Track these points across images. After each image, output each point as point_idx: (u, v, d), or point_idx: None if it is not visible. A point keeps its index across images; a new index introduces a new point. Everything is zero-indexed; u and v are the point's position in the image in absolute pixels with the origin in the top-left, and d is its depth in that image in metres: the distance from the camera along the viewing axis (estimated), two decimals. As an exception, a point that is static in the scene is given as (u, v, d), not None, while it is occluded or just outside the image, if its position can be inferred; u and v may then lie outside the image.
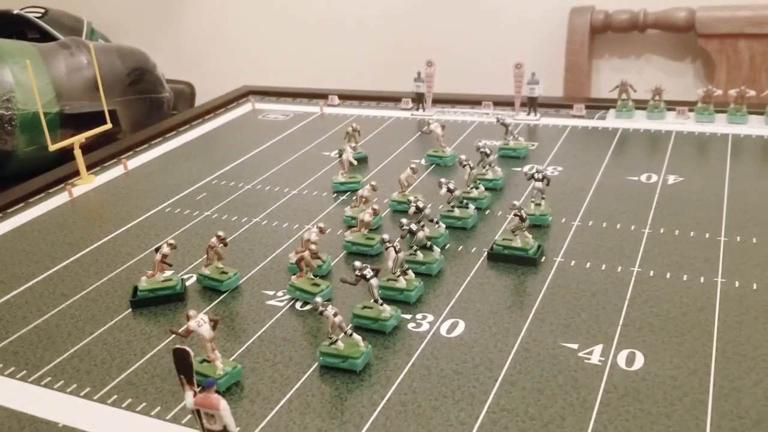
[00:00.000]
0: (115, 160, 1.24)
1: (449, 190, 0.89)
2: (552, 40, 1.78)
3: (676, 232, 0.86)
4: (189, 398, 0.52)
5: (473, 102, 1.38)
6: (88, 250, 0.92)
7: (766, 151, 1.08)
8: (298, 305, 0.77)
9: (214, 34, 2.15)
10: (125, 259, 0.89)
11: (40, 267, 0.89)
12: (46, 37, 1.61)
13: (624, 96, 1.26)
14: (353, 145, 1.13)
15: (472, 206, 0.92)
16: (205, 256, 0.82)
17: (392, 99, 1.45)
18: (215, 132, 1.37)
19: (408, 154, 1.17)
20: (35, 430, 0.61)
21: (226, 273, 0.81)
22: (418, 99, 1.36)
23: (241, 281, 0.82)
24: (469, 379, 0.63)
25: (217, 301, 0.79)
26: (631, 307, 0.72)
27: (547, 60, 1.75)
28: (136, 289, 0.80)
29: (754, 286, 0.74)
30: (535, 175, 0.90)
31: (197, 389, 0.53)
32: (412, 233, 0.80)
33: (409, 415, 0.60)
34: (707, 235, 0.84)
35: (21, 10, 1.67)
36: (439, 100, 1.39)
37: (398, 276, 0.76)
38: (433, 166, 1.12)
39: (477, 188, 0.96)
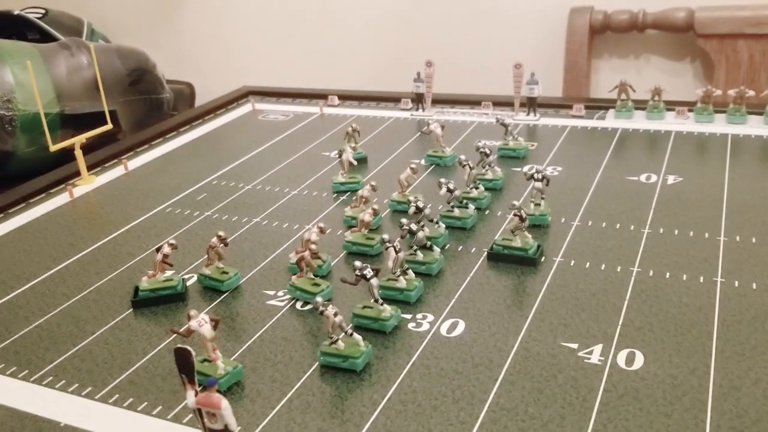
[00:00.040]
0: (116, 160, 1.24)
1: (449, 190, 0.90)
2: (551, 40, 1.78)
3: (676, 232, 0.86)
4: (190, 397, 0.52)
5: (473, 102, 1.38)
6: (89, 250, 0.92)
7: (766, 151, 1.08)
8: (298, 305, 0.77)
9: (214, 34, 2.15)
10: (126, 259, 0.89)
11: (41, 267, 0.89)
12: (46, 37, 1.61)
13: (623, 96, 1.26)
14: (353, 145, 1.13)
15: (471, 206, 0.92)
16: (206, 256, 0.83)
17: (392, 99, 1.45)
18: (215, 132, 1.37)
19: (408, 155, 1.17)
20: (37, 429, 0.62)
21: (226, 273, 0.81)
22: (418, 99, 1.36)
23: (241, 281, 0.82)
24: (469, 379, 0.64)
25: (217, 301, 0.79)
26: (630, 307, 0.72)
27: (546, 60, 1.75)
28: (137, 289, 0.80)
29: (754, 286, 0.74)
30: (535, 175, 0.90)
31: (198, 389, 0.53)
32: (412, 233, 0.80)
33: (409, 414, 0.60)
34: (706, 235, 0.85)
35: (21, 10, 1.67)
36: (439, 101, 1.40)
37: (398, 276, 0.76)
38: (433, 166, 1.12)
39: (477, 188, 0.96)
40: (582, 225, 0.89)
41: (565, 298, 0.74)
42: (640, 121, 1.23)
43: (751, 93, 1.19)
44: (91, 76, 1.37)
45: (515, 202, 0.82)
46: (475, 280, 0.79)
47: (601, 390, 0.61)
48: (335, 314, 0.65)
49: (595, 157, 1.10)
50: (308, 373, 0.66)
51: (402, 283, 0.76)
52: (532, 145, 1.16)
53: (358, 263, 0.71)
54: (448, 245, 0.87)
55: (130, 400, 0.64)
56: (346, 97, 1.50)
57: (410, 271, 0.77)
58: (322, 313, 0.65)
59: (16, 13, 1.65)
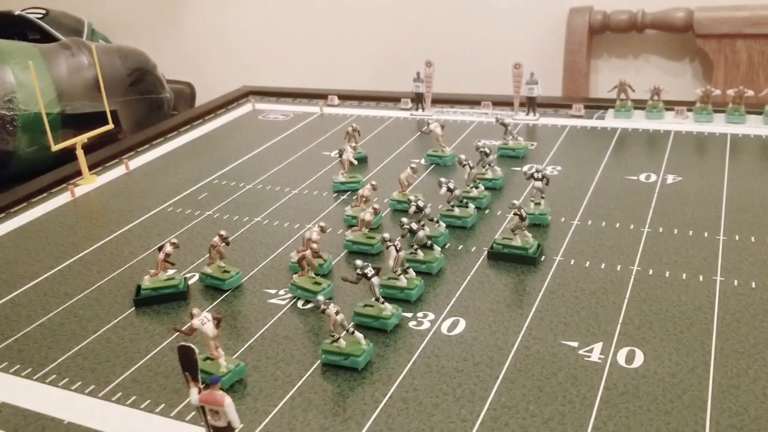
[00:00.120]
0: (117, 160, 1.24)
1: (449, 190, 0.90)
2: (551, 40, 1.78)
3: (675, 231, 0.86)
4: (194, 395, 0.52)
5: (472, 102, 1.38)
6: (90, 249, 0.93)
7: (765, 150, 1.09)
8: (299, 304, 0.77)
9: (214, 35, 2.15)
10: (128, 258, 0.90)
11: (43, 266, 0.89)
12: (46, 37, 1.61)
13: (623, 96, 1.26)
14: (353, 144, 1.13)
15: (471, 205, 0.93)
16: (208, 255, 0.83)
17: (392, 99, 1.45)
18: (216, 132, 1.37)
19: (408, 154, 1.17)
20: (41, 427, 0.62)
21: (228, 272, 0.81)
22: (418, 99, 1.37)
23: (243, 280, 0.82)
24: (469, 377, 0.64)
25: (219, 299, 0.79)
26: (630, 306, 0.72)
27: (545, 60, 1.75)
28: (139, 287, 0.80)
29: (753, 285, 0.74)
30: (535, 175, 0.90)
31: (201, 386, 0.53)
32: (413, 232, 0.81)
33: (410, 412, 0.60)
34: (706, 234, 0.85)
35: (22, 11, 1.67)
36: (439, 100, 1.40)
37: (399, 275, 0.76)
38: (433, 165, 1.12)
39: (477, 188, 0.97)
40: (582, 224, 0.90)
41: (565, 296, 0.75)
42: (639, 121, 1.24)
43: (750, 93, 1.19)
44: (92, 76, 1.37)
45: (515, 202, 0.83)
46: (476, 279, 0.79)
47: (601, 388, 0.61)
48: (337, 313, 0.66)
49: (594, 157, 1.10)
50: (310, 371, 0.66)
51: (403, 281, 0.76)
52: (532, 145, 1.17)
53: (359, 262, 0.71)
54: (448, 244, 0.87)
55: (133, 398, 0.65)
56: (346, 97, 1.50)
57: (411, 270, 0.77)
58: (323, 311, 0.66)
59: (16, 13, 1.65)
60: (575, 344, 0.67)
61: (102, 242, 0.94)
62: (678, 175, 1.02)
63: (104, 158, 1.24)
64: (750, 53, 1.60)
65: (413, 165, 0.97)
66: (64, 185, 1.14)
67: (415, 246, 0.82)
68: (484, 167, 1.02)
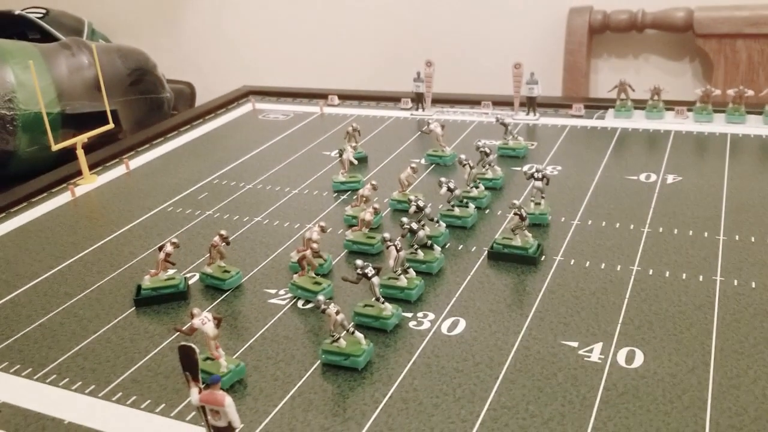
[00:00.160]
0: (117, 160, 1.24)
1: (449, 190, 0.90)
2: (551, 40, 1.78)
3: (675, 231, 0.86)
4: (194, 395, 0.52)
5: (472, 102, 1.38)
6: (91, 249, 0.93)
7: (765, 150, 1.09)
8: (300, 304, 0.77)
9: (215, 34, 2.15)
10: (128, 258, 0.90)
11: (43, 266, 0.89)
12: (47, 37, 1.61)
13: (623, 96, 1.26)
14: (353, 144, 1.13)
15: (472, 205, 0.93)
16: (208, 254, 0.83)
17: (392, 99, 1.46)
18: (216, 132, 1.37)
19: (408, 154, 1.18)
20: (41, 426, 0.62)
21: (228, 272, 0.82)
22: (418, 99, 1.37)
23: (243, 280, 0.82)
24: (470, 377, 0.64)
25: (219, 299, 0.79)
26: (630, 306, 0.72)
27: (545, 60, 1.76)
28: (139, 287, 0.80)
29: (753, 285, 0.74)
30: (535, 175, 0.90)
31: (202, 386, 0.53)
32: (413, 232, 0.81)
33: (410, 412, 0.60)
34: (706, 234, 0.85)
35: (22, 10, 1.67)
36: (439, 100, 1.40)
37: (399, 275, 0.76)
38: (433, 165, 1.12)
39: (477, 187, 0.97)
40: (582, 224, 0.90)
41: (565, 296, 0.75)
42: (639, 121, 1.24)
43: (750, 92, 1.19)
44: (92, 75, 1.37)
45: (515, 202, 0.83)
46: (476, 278, 0.79)
47: (601, 388, 0.61)
48: (337, 312, 0.66)
49: (594, 157, 1.10)
50: (310, 371, 0.66)
51: (403, 281, 0.76)
52: (532, 145, 1.17)
53: (359, 262, 0.71)
54: (448, 244, 0.87)
55: (134, 397, 0.65)
56: (346, 97, 1.50)
57: (411, 270, 0.77)
58: (323, 311, 0.66)
59: (16, 13, 1.65)
60: (575, 344, 0.67)
61: (102, 242, 0.94)
62: (678, 175, 1.02)
63: (104, 158, 1.24)
64: (750, 53, 1.60)
65: (413, 165, 0.97)
66: (65, 185, 1.14)
67: (416, 246, 0.82)
68: (484, 167, 1.02)
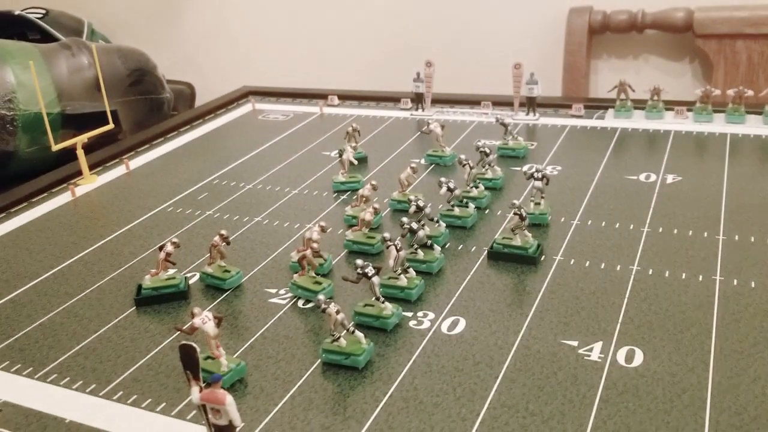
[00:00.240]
0: (117, 160, 1.24)
1: (449, 190, 0.90)
2: (550, 40, 1.78)
3: (675, 231, 0.87)
4: (195, 393, 0.53)
5: (472, 102, 1.38)
6: (91, 249, 0.93)
7: (764, 150, 1.09)
8: (300, 303, 0.77)
9: (214, 35, 2.16)
10: (128, 258, 0.90)
11: (44, 266, 0.89)
12: (47, 37, 1.61)
13: (622, 96, 1.27)
14: (353, 144, 1.14)
15: (471, 205, 0.93)
16: (208, 254, 0.83)
17: (392, 99, 1.46)
18: (216, 132, 1.37)
19: (408, 154, 1.18)
20: (42, 426, 0.62)
21: (228, 271, 0.82)
22: (418, 99, 1.37)
23: (243, 279, 0.83)
24: (470, 376, 0.64)
25: (220, 299, 0.80)
26: (630, 305, 0.72)
27: (545, 60, 1.76)
28: (140, 287, 0.80)
29: (752, 285, 0.74)
30: (535, 175, 0.90)
31: (203, 385, 0.53)
32: (413, 232, 0.81)
33: (410, 411, 0.60)
34: (705, 234, 0.85)
35: (22, 11, 1.67)
36: (439, 100, 1.40)
37: (399, 274, 0.76)
38: (433, 165, 1.12)
39: (477, 187, 0.97)
40: (582, 224, 0.90)
41: (564, 296, 0.75)
42: (639, 121, 1.24)
43: (750, 93, 1.19)
44: (92, 76, 1.37)
45: (515, 201, 0.83)
46: (476, 278, 0.80)
47: (600, 387, 0.62)
48: (337, 312, 0.66)
49: (594, 157, 1.10)
50: (310, 371, 0.66)
51: (403, 281, 0.76)
52: (532, 145, 1.17)
53: (359, 262, 0.71)
54: (448, 244, 0.87)
55: (134, 397, 0.65)
56: (345, 97, 1.50)
57: (411, 270, 0.78)
58: (324, 310, 0.66)
59: (16, 13, 1.66)
60: (575, 343, 0.67)
61: (102, 242, 0.94)
62: (678, 175, 1.02)
63: (104, 158, 1.24)
64: (750, 53, 1.60)
65: (413, 165, 0.98)
66: (65, 185, 1.14)
67: (416, 246, 0.82)
68: (484, 167, 1.02)
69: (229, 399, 0.51)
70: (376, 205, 0.89)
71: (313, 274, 0.79)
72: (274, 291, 0.80)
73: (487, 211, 0.95)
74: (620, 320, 0.70)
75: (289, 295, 0.79)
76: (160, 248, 0.81)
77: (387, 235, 0.77)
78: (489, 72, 1.71)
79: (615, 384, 0.62)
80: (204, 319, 0.64)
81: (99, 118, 1.25)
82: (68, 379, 0.68)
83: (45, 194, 1.12)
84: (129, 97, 1.49)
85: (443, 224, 0.88)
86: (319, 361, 0.67)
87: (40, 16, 1.67)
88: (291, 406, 0.62)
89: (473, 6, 1.84)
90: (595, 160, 1.09)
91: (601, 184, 1.01)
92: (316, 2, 2.01)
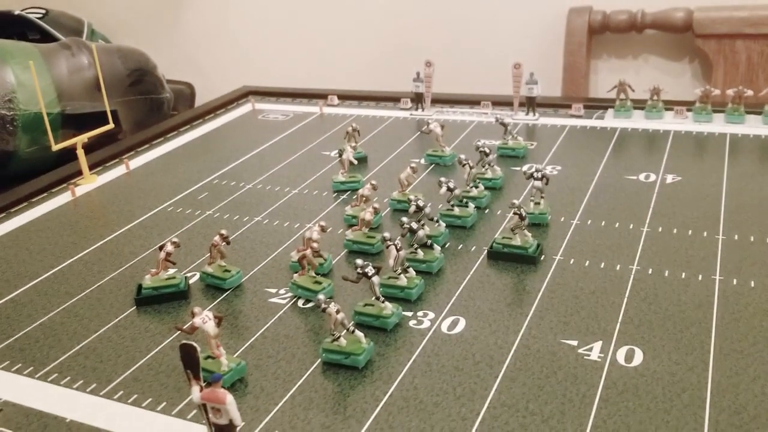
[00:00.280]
0: (117, 160, 1.24)
1: (449, 189, 0.90)
2: (550, 40, 1.78)
3: (675, 230, 0.87)
4: (195, 393, 0.53)
5: (472, 102, 1.39)
6: (91, 248, 0.93)
7: (764, 150, 1.09)
8: (300, 303, 0.77)
9: (214, 35, 2.16)
10: (129, 257, 0.90)
11: (44, 266, 0.89)
12: (46, 37, 1.61)
13: (622, 96, 1.27)
14: (353, 144, 1.14)
15: (471, 205, 0.93)
16: (208, 254, 0.83)
17: (391, 99, 1.46)
18: (216, 132, 1.37)
19: (407, 154, 1.18)
20: (43, 425, 0.62)
21: (228, 271, 0.82)
22: (418, 99, 1.37)
23: (243, 279, 0.83)
24: (470, 376, 0.64)
25: (220, 298, 0.80)
26: (629, 305, 0.73)
27: (545, 60, 1.76)
28: (140, 287, 0.80)
29: (752, 284, 0.75)
30: (535, 174, 0.90)
31: (203, 384, 0.54)
32: (413, 232, 0.81)
33: (410, 410, 0.61)
34: (705, 234, 0.85)
35: (22, 11, 1.67)
36: (438, 100, 1.40)
37: (399, 274, 0.77)
38: (433, 165, 1.12)
39: (476, 187, 0.97)
40: (581, 224, 0.90)
41: (564, 295, 0.75)
42: (639, 121, 1.24)
43: (750, 93, 1.20)
44: (92, 76, 1.37)
45: (515, 201, 0.83)
46: (476, 278, 0.80)
47: (600, 386, 0.62)
48: (337, 311, 0.66)
49: (594, 157, 1.10)
50: (310, 370, 0.67)
51: (403, 281, 0.76)
52: (532, 145, 1.17)
53: (359, 261, 0.71)
54: (448, 244, 0.87)
55: (135, 396, 0.65)
56: (345, 97, 1.50)
57: (411, 269, 0.78)
58: (324, 310, 0.66)
59: (16, 13, 1.66)
60: (575, 343, 0.67)
61: (103, 242, 0.95)
62: (677, 174, 1.02)
63: (104, 158, 1.24)
64: (749, 53, 1.60)
65: (413, 165, 0.98)
66: (65, 185, 1.14)
67: (415, 245, 0.82)
68: (483, 167, 1.02)
69: (229, 398, 0.51)
70: (376, 205, 0.89)
71: (313, 274, 0.79)
72: (274, 291, 0.80)
73: (486, 211, 0.95)
74: (620, 320, 0.70)
75: (289, 294, 0.79)
76: (160, 248, 0.81)
77: (387, 234, 0.77)
78: (489, 72, 1.71)
79: (615, 383, 0.62)
80: (204, 318, 0.64)
81: (99, 118, 1.25)
82: (69, 378, 0.68)
83: (45, 194, 1.12)
84: (129, 97, 1.49)
85: (443, 224, 0.88)
86: (319, 360, 0.67)
87: (40, 16, 1.67)
88: (291, 406, 0.62)
89: (473, 6, 1.84)
90: (595, 160, 1.09)
91: (601, 183, 1.01)
92: (316, 2, 2.01)
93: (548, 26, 1.78)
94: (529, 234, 0.83)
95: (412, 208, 0.84)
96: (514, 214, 0.82)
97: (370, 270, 0.70)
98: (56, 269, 0.88)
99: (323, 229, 0.81)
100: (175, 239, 0.82)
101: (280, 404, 0.62)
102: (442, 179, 0.90)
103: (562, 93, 1.75)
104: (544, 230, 0.89)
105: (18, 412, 0.64)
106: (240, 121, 1.43)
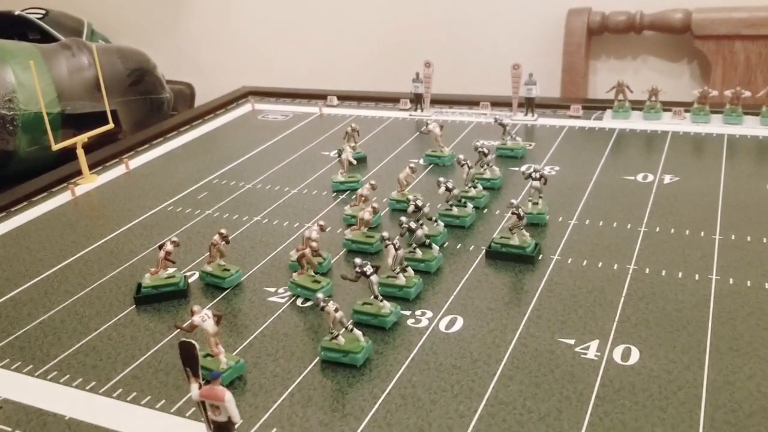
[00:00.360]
0: (117, 159, 1.25)
1: (448, 189, 0.90)
2: (549, 41, 1.79)
3: (672, 230, 0.87)
4: (194, 390, 0.53)
5: (471, 102, 1.39)
6: (91, 248, 0.93)
7: (761, 151, 1.09)
8: (299, 302, 0.78)
9: (214, 35, 2.16)
10: (128, 256, 0.90)
11: (44, 265, 0.90)
12: (46, 38, 1.62)
13: (621, 97, 1.27)
14: (352, 144, 1.14)
15: (470, 205, 0.93)
16: (208, 253, 0.83)
17: (391, 99, 1.46)
18: (215, 132, 1.38)
19: (407, 154, 1.18)
20: (42, 422, 0.62)
21: (228, 270, 0.82)
22: (417, 99, 1.37)
23: (243, 278, 0.83)
24: (467, 374, 0.64)
25: (219, 297, 0.80)
26: (627, 304, 0.73)
27: (544, 61, 1.76)
28: (139, 285, 0.81)
29: (748, 284, 0.75)
30: (533, 175, 0.91)
31: (202, 382, 0.54)
32: (412, 231, 0.81)
33: (408, 408, 0.61)
34: (702, 234, 0.86)
35: (22, 11, 1.68)
36: (438, 101, 1.41)
37: (398, 273, 0.77)
38: (432, 165, 1.13)
39: (475, 187, 0.97)
40: (579, 223, 0.90)
41: (562, 295, 0.75)
42: (637, 122, 1.24)
43: (747, 94, 1.20)
44: (92, 76, 1.38)
45: (513, 201, 0.83)
46: (474, 277, 0.80)
47: (597, 384, 0.62)
48: (336, 310, 0.66)
49: (592, 157, 1.11)
50: (309, 368, 0.67)
51: (401, 280, 0.76)
52: (530, 145, 1.17)
53: (358, 260, 0.72)
54: (446, 243, 0.87)
55: (134, 394, 0.65)
56: (345, 98, 1.51)
57: (409, 269, 0.78)
58: (323, 309, 0.66)
59: (16, 13, 1.66)
60: (572, 342, 0.68)
61: (102, 241, 0.95)
62: (675, 175, 1.02)
63: (104, 158, 1.24)
64: (748, 54, 1.61)
65: (412, 165, 0.98)
66: (65, 184, 1.14)
67: (414, 245, 0.82)
68: (482, 167, 1.03)
69: (228, 396, 0.52)
70: (375, 205, 0.89)
71: (312, 273, 0.80)
72: (273, 289, 0.81)
73: (485, 211, 0.96)
74: (617, 319, 0.71)
75: (288, 293, 0.79)
76: (160, 247, 0.82)
77: (386, 234, 0.77)
78: (488, 72, 1.71)
79: (611, 381, 0.62)
80: (203, 317, 0.64)
81: (99, 118, 1.25)
82: (68, 376, 0.68)
83: (45, 194, 1.12)
84: (129, 97, 1.49)
85: (442, 224, 0.89)
86: (318, 358, 0.68)
87: (40, 16, 1.68)
88: (290, 403, 0.62)
89: (473, 6, 1.85)
90: (593, 161, 1.09)
91: (599, 184, 1.01)
92: (316, 2, 2.01)
93: (547, 27, 1.79)
94: (527, 234, 0.83)
95: (411, 208, 0.85)
96: (513, 213, 0.82)
97: (368, 269, 0.71)
98: (56, 268, 0.89)
99: (322, 229, 0.81)
100: (175, 238, 0.82)
101: (279, 402, 0.63)
102: (441, 179, 0.91)
103: (560, 94, 1.76)
104: (542, 230, 0.89)
105: (18, 409, 0.64)
106: (240, 121, 1.44)
